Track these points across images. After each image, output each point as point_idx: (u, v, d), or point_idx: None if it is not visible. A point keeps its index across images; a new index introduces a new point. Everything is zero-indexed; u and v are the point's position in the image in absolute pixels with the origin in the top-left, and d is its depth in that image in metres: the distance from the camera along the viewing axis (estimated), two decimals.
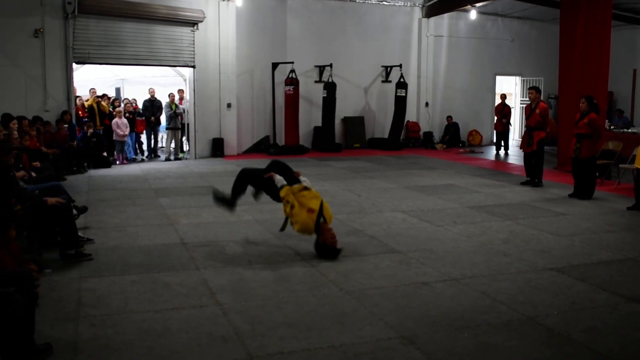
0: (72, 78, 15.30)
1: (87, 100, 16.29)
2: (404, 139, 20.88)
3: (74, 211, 8.11)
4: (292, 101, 18.28)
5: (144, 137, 17.69)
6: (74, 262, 6.63)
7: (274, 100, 18.55)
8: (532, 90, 12.47)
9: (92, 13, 15.16)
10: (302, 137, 18.97)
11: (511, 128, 20.14)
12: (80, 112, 15.82)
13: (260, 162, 15.69)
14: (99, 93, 17.05)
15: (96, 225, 8.50)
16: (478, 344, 4.64)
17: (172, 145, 17.38)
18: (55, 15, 14.81)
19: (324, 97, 18.87)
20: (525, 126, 12.56)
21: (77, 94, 16.23)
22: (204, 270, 6.45)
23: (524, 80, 22.52)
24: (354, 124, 20.41)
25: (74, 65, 15.37)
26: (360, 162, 16.26)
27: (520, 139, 15.76)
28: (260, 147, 18.72)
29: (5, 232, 5.04)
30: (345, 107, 19.76)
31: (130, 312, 5.24)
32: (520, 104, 22.26)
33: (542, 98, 12.46)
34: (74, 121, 15.05)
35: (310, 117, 19.51)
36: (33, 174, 9.45)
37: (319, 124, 19.34)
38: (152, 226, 8.52)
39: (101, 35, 15.54)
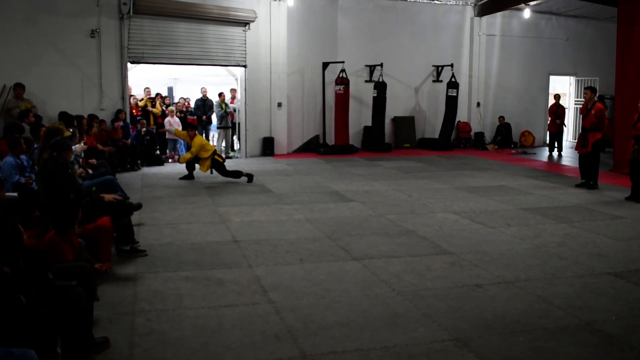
0: (127, 77, 15.60)
1: (141, 100, 16.61)
2: (455, 139, 20.66)
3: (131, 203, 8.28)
4: (342, 101, 18.26)
5: None
6: (129, 258, 6.77)
7: (324, 100, 18.57)
8: (588, 91, 12.18)
9: (147, 13, 15.43)
10: (352, 137, 18.93)
11: (565, 129, 19.75)
12: (134, 111, 16.15)
13: (309, 162, 15.95)
14: (153, 92, 17.37)
15: (150, 221, 8.65)
16: (534, 349, 4.56)
17: (223, 144, 17.60)
18: (111, 16, 15.12)
19: (374, 97, 18.80)
20: (581, 127, 12.30)
21: (132, 93, 16.55)
22: (256, 268, 6.50)
23: (578, 80, 22.02)
24: (404, 123, 20.28)
25: (129, 65, 15.66)
26: (410, 162, 16.14)
27: (575, 141, 15.42)
28: (310, 146, 18.76)
29: (71, 227, 5.17)
30: (395, 107, 19.67)
31: (184, 308, 5.32)
32: (575, 104, 21.82)
33: (596, 98, 12.19)
34: (128, 119, 15.35)
35: (360, 116, 19.48)
36: (90, 171, 9.68)
37: (369, 123, 19.27)
38: (205, 224, 8.62)
39: (155, 36, 15.80)
